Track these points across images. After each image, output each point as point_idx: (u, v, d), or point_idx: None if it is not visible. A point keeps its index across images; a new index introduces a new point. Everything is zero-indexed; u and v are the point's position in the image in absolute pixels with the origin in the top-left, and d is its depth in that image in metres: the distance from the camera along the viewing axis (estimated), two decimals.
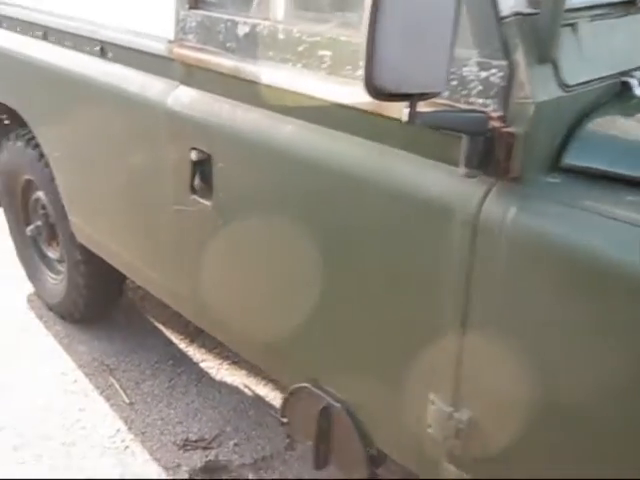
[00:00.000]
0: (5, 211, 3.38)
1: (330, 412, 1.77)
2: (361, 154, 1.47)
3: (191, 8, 1.84)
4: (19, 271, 3.46)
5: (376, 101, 1.12)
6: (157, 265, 2.26)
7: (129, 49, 2.10)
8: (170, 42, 1.92)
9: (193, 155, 1.88)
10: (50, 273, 3.26)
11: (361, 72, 1.07)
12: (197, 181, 1.92)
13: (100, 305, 3.11)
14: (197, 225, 1.98)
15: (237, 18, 1.72)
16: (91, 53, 2.27)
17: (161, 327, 3.24)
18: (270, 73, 1.65)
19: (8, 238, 3.46)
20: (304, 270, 1.68)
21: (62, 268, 3.17)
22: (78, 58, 2.33)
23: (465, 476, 1.45)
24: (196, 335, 3.16)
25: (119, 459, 2.51)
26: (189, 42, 1.86)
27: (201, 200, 1.92)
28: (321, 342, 1.72)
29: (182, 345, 3.12)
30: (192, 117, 1.87)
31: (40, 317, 3.30)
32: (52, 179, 2.78)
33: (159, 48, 1.97)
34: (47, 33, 2.49)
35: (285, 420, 1.95)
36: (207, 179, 1.89)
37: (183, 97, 1.91)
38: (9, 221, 3.39)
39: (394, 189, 1.39)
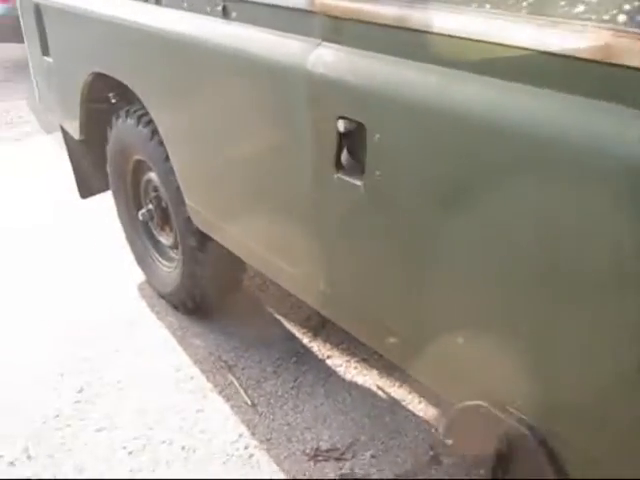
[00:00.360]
0: (114, 193, 3.18)
1: (514, 439, 1.43)
2: (584, 118, 1.12)
3: None
4: (128, 256, 3.27)
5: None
6: (287, 253, 1.97)
7: (257, 4, 1.80)
8: None
9: (340, 125, 1.57)
10: (162, 260, 3.04)
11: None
12: (345, 156, 1.60)
13: (217, 295, 2.87)
14: (342, 208, 1.67)
15: None
16: (211, 14, 1.98)
17: (281, 319, 2.97)
18: (448, 19, 1.31)
19: (116, 221, 3.27)
20: (485, 267, 1.35)
21: (175, 255, 2.94)
22: (196, 21, 2.04)
23: None
24: (319, 328, 2.88)
25: (243, 469, 2.25)
26: None
27: (349, 179, 1.61)
28: (504, 350, 1.38)
29: (305, 340, 2.84)
30: (340, 80, 1.55)
31: (152, 307, 3.09)
32: (166, 159, 2.54)
33: (295, 0, 1.65)
34: None
35: (450, 442, 1.63)
36: (358, 154, 1.58)
37: (327, 56, 1.60)
38: (118, 204, 3.19)
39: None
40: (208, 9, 2.00)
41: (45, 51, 3.14)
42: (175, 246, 2.91)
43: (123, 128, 2.80)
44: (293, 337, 2.85)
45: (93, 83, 2.86)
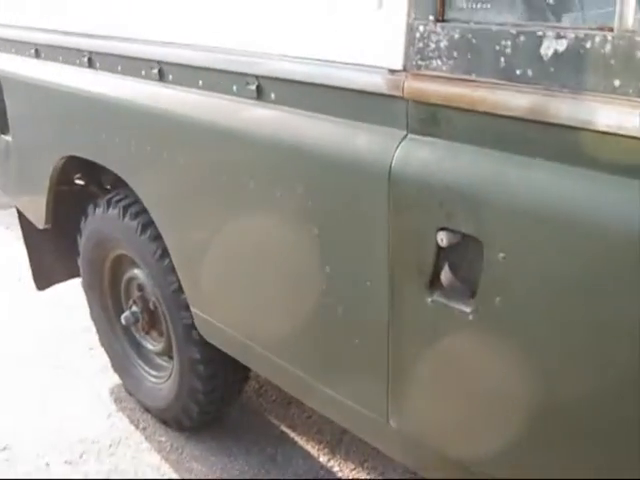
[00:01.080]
0: (86, 290, 2.75)
1: None
2: None
3: (438, 21, 1.21)
4: (100, 359, 2.83)
5: None
6: (345, 382, 1.62)
7: (307, 86, 1.47)
8: (394, 72, 1.29)
9: (442, 238, 1.24)
10: (148, 369, 2.61)
11: None
12: (446, 275, 1.27)
13: (217, 410, 2.46)
14: (437, 337, 1.33)
15: (538, 30, 1.08)
16: (239, 93, 1.65)
17: (290, 432, 2.57)
18: (614, 112, 1.01)
19: (80, 313, 2.83)
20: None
21: (165, 363, 2.53)
22: (216, 101, 1.70)
23: None
24: (336, 443, 2.50)
25: None
26: (433, 70, 1.23)
27: (451, 304, 1.28)
28: None
29: (322, 458, 2.45)
30: (441, 182, 1.23)
31: (136, 423, 2.64)
32: (161, 257, 2.15)
33: (370, 82, 1.34)
34: (163, 70, 1.87)
35: None
36: (466, 274, 1.25)
37: (419, 152, 1.28)
38: (91, 302, 2.76)
39: None
40: (235, 88, 1.66)
41: (3, 128, 2.73)
42: (165, 353, 2.50)
43: (103, 219, 2.40)
44: (308, 455, 2.46)
45: (64, 166, 2.47)
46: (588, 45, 1.04)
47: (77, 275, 2.82)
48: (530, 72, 1.10)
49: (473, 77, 1.18)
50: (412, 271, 1.33)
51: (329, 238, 1.49)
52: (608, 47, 1.02)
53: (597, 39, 1.03)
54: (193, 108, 1.76)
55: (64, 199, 2.62)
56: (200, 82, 1.76)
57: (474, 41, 1.17)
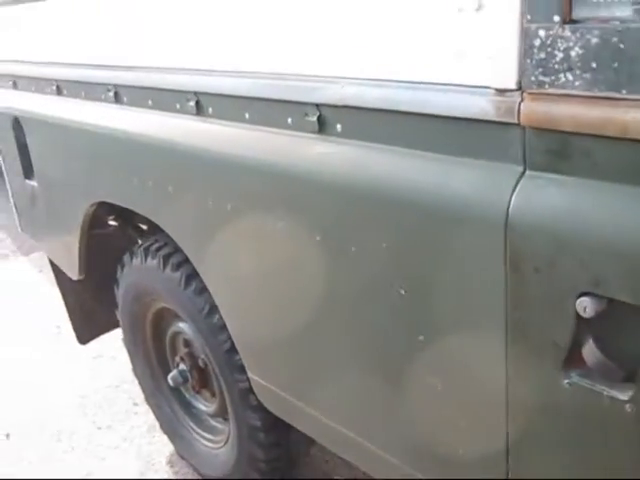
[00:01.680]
0: (128, 346, 2.50)
1: None
2: None
3: (567, 22, 0.91)
4: (146, 416, 2.57)
5: None
6: (436, 471, 1.32)
7: (386, 114, 1.18)
8: (505, 93, 0.99)
9: (586, 307, 0.94)
10: (200, 431, 2.34)
11: None
12: (591, 351, 0.97)
13: (281, 475, 2.17)
14: (575, 429, 1.03)
15: None
16: (294, 126, 1.37)
17: None
18: None
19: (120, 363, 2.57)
20: None
21: (220, 426, 2.25)
22: (269, 138, 1.42)
23: None
24: None
25: None
26: (561, 88, 0.93)
27: (598, 389, 0.97)
28: None
29: None
30: (581, 235, 0.93)
31: None
32: (209, 313, 1.88)
33: (472, 106, 1.04)
34: (201, 102, 1.60)
35: None
36: (619, 350, 0.95)
37: (546, 195, 0.98)
38: (133, 359, 2.50)
39: None
40: (290, 120, 1.38)
41: (28, 173, 2.50)
42: (219, 415, 2.23)
43: (141, 270, 2.14)
44: None
45: (96, 211, 2.21)
46: None
47: (119, 325, 2.57)
48: None
49: (623, 94, 0.88)
50: (541, 346, 1.02)
51: (423, 302, 1.19)
52: None
53: None
54: (240, 146, 1.49)
55: (98, 246, 2.37)
56: (247, 115, 1.48)
57: (622, 46, 0.86)
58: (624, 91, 0.87)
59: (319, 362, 1.52)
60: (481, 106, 1.03)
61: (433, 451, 1.31)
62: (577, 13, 0.91)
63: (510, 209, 1.00)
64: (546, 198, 0.98)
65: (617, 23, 0.87)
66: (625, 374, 0.95)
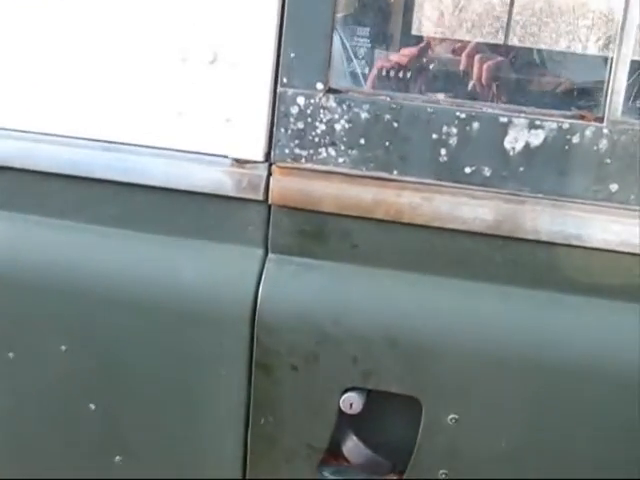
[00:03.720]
0: None
1: None
2: None
3: (331, 92, 0.82)
4: None
5: None
6: None
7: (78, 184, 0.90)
8: (249, 165, 0.85)
9: (350, 402, 0.86)
10: None
11: None
12: (356, 448, 0.90)
13: None
14: None
15: (502, 115, 0.80)
16: None
17: None
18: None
19: None
20: None
21: None
22: None
23: None
24: None
25: None
26: (321, 164, 0.84)
27: None
28: None
29: None
30: (344, 326, 0.85)
31: None
32: None
33: (207, 179, 0.86)
34: None
35: None
36: (386, 444, 0.89)
37: (300, 284, 0.86)
38: None
39: None
40: None
41: None
42: None
43: None
44: None
45: None
46: (576, 139, 0.79)
47: None
48: (488, 171, 0.81)
49: (394, 175, 0.82)
50: (292, 451, 0.89)
51: (118, 421, 0.93)
52: (603, 142, 0.79)
53: (587, 132, 0.78)
54: None
55: None
56: None
57: (395, 125, 0.81)
58: (395, 172, 0.82)
59: None
60: (215, 179, 0.85)
61: None
62: (345, 82, 0.83)
63: (258, 301, 0.85)
64: (300, 287, 0.86)
65: (388, 99, 0.81)
66: (392, 466, 0.89)
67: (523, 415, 0.84)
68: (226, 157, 0.84)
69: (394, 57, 1.00)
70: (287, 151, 0.83)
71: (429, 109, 0.80)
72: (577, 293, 0.82)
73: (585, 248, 0.80)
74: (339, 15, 0.84)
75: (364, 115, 0.81)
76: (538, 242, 0.81)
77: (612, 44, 0.91)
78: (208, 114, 0.85)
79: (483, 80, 1.00)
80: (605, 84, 0.80)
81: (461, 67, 1.04)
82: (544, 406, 0.83)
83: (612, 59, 0.79)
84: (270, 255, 0.86)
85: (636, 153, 0.78)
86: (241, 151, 0.84)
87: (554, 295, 0.83)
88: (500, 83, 1.03)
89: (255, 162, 0.84)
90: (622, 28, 0.77)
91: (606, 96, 0.79)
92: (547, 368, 0.82)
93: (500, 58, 1.05)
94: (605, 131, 0.78)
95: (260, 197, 0.84)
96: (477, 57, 1.02)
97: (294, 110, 0.82)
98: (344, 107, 0.81)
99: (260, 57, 0.81)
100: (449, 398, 0.84)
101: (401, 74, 0.96)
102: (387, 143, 0.81)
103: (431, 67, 1.06)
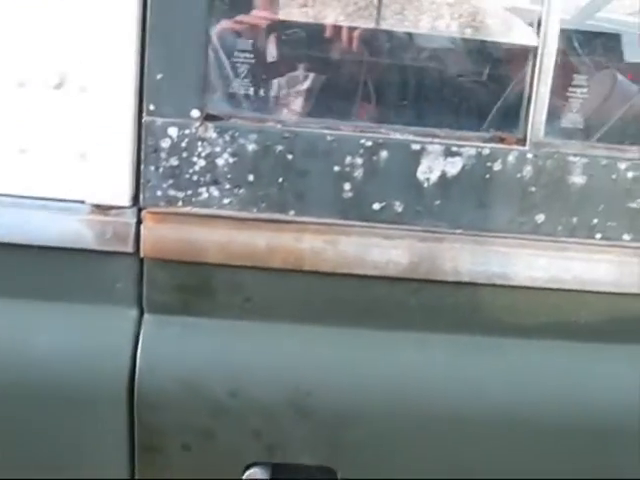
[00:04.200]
0: None
1: None
2: None
3: (210, 119, 0.68)
4: None
5: None
6: None
7: None
8: (111, 211, 0.69)
9: (255, 478, 0.74)
10: None
11: None
12: None
13: None
14: None
15: (412, 140, 0.69)
16: None
17: None
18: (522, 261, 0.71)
19: None
20: None
21: None
22: None
23: None
24: None
25: None
26: (201, 208, 0.69)
27: None
28: None
29: None
30: (244, 395, 0.72)
31: None
32: None
33: (55, 228, 0.70)
34: None
35: None
36: None
37: (183, 348, 0.72)
38: None
39: None
40: None
41: None
42: None
43: None
44: None
45: None
46: (497, 166, 0.69)
47: None
48: (400, 206, 0.69)
49: (291, 216, 0.69)
50: None
51: None
52: (527, 169, 0.69)
53: (510, 158, 0.68)
54: None
55: None
56: None
57: (290, 156, 0.68)
58: (292, 212, 0.69)
59: None
60: (72, 230, 0.69)
61: None
62: (226, 107, 0.68)
63: (136, 373, 0.70)
64: (185, 351, 0.72)
65: (279, 127, 0.68)
66: None
67: (450, 475, 0.75)
68: (83, 202, 0.68)
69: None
70: (159, 193, 0.68)
71: (329, 137, 0.67)
72: (503, 335, 0.73)
73: (511, 287, 0.71)
74: (215, 26, 0.69)
75: (251, 147, 0.67)
76: (459, 284, 0.70)
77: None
78: (58, 150, 0.68)
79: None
80: (525, 100, 0.70)
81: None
82: (475, 464, 0.74)
83: (531, 71, 0.69)
84: (146, 316, 0.72)
85: (563, 179, 0.69)
86: (102, 195, 0.68)
87: (477, 339, 0.73)
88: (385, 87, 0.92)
89: (120, 207, 0.68)
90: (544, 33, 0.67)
91: (527, 114, 0.69)
92: (474, 420, 0.73)
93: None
94: (529, 156, 0.68)
95: (129, 249, 0.69)
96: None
97: (165, 144, 0.67)
98: (226, 138, 0.67)
99: (118, 78, 0.66)
100: (368, 463, 0.74)
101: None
102: (281, 179, 0.68)
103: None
